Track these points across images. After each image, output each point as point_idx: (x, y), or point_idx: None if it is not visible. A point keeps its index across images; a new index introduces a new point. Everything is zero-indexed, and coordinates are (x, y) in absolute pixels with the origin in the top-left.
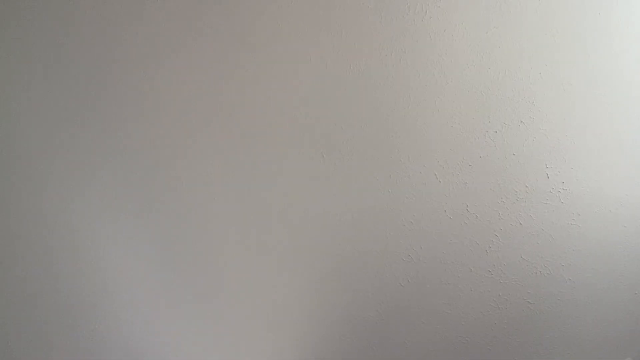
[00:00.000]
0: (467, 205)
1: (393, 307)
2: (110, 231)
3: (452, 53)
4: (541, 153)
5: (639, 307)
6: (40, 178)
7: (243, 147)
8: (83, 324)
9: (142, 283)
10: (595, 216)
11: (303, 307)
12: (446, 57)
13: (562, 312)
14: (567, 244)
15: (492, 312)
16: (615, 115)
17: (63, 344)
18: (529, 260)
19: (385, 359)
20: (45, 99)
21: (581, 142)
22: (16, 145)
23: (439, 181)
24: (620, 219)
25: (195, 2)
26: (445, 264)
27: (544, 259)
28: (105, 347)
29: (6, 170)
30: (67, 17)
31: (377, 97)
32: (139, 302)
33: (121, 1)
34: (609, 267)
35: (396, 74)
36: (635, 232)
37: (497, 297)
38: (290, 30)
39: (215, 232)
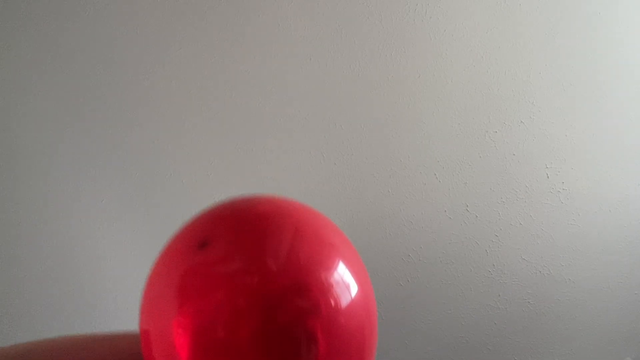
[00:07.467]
0: (467, 205)
1: (393, 307)
2: (110, 232)
3: (452, 53)
4: (541, 153)
5: (638, 307)
6: (39, 179)
7: (243, 147)
8: (82, 326)
9: (142, 284)
10: (595, 216)
11: None
12: (446, 57)
13: (562, 312)
14: (567, 244)
15: (492, 312)
16: (615, 115)
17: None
18: (529, 260)
19: (385, 358)
20: (44, 100)
21: (581, 142)
22: (15, 146)
23: (439, 181)
24: (620, 219)
25: (194, 2)
26: (445, 264)
27: (544, 259)
28: None
29: (5, 172)
30: (66, 16)
31: (377, 97)
32: (138, 302)
33: (121, 0)
34: (609, 267)
35: (396, 74)
36: (635, 232)
37: (497, 297)
38: (290, 30)
39: None
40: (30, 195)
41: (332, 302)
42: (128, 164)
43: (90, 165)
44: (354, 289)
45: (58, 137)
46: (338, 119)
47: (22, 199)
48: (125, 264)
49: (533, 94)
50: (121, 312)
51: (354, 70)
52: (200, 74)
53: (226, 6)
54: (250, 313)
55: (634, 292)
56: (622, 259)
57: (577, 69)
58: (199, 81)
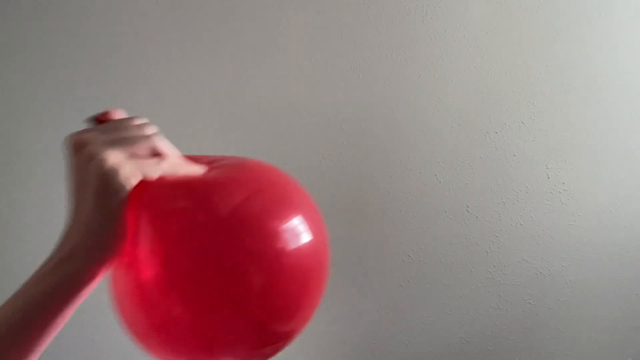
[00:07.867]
0: (468, 206)
1: (393, 307)
2: None
3: (452, 53)
4: (542, 153)
5: (639, 307)
6: (39, 179)
7: (243, 147)
8: (82, 327)
9: None
10: (596, 217)
11: None
12: (446, 57)
13: (563, 312)
14: (568, 245)
15: (492, 312)
16: (615, 115)
17: (60, 346)
18: (529, 261)
19: (385, 359)
20: (45, 100)
21: (581, 142)
22: (15, 146)
23: (439, 181)
24: (621, 219)
25: (195, 2)
26: (445, 265)
27: (544, 260)
28: (104, 349)
29: (5, 172)
30: (68, 16)
31: (377, 97)
32: None
33: (122, 1)
34: (609, 268)
35: (396, 74)
36: (636, 232)
37: (497, 297)
38: (290, 30)
39: None
40: (30, 196)
41: (279, 246)
42: None
43: None
44: (304, 237)
45: (58, 137)
46: (338, 118)
47: (21, 200)
48: None
49: (533, 94)
50: None
51: (354, 70)
52: (200, 74)
53: (227, 5)
54: (195, 247)
55: (634, 293)
56: (622, 260)
57: (577, 69)
58: (200, 81)
